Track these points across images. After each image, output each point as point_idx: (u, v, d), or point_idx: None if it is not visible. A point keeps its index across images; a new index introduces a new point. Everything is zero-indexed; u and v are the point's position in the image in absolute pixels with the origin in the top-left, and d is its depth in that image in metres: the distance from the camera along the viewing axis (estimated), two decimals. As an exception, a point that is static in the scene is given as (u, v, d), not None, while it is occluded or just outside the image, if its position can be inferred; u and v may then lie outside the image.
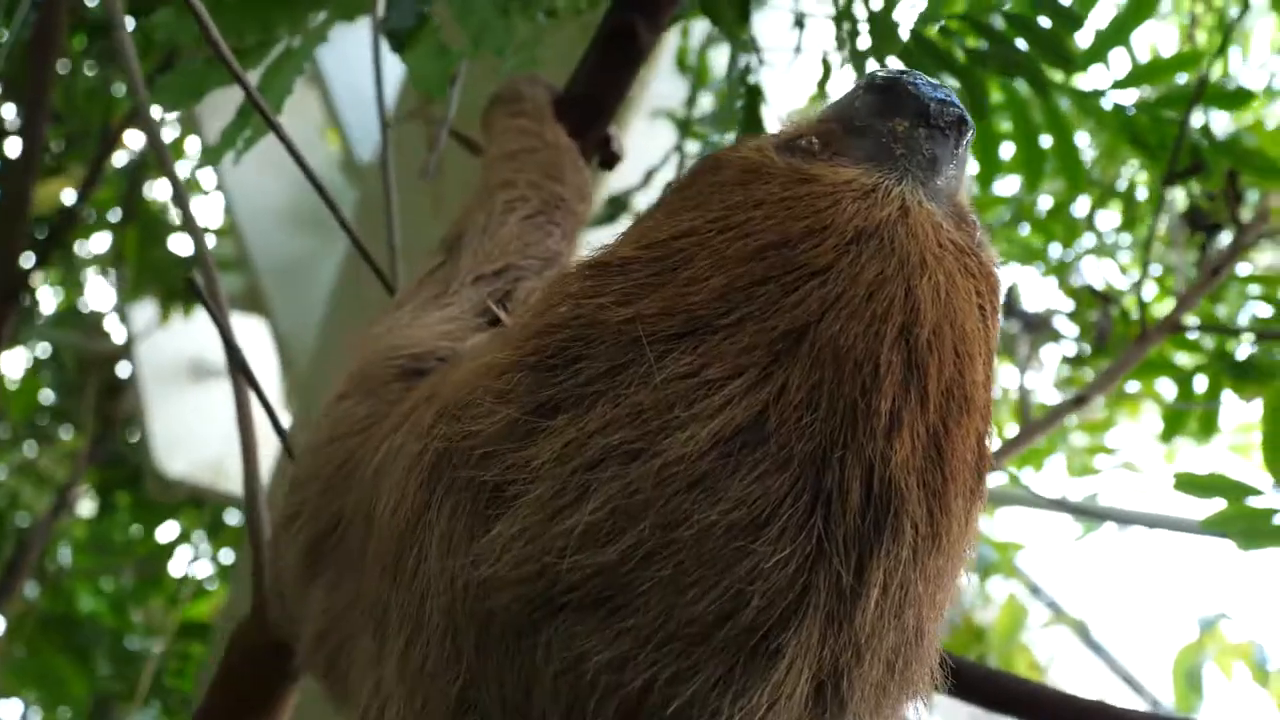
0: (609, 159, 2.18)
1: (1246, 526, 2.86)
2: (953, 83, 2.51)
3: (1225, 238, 3.78)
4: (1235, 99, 3.00)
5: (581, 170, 1.95)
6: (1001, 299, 1.20)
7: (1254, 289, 3.94)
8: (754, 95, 2.29)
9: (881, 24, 2.50)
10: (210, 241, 7.19)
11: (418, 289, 1.68)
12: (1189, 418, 3.80)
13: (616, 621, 1.01)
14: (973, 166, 3.00)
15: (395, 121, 2.65)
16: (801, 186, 1.13)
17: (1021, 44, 2.62)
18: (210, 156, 2.23)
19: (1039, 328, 4.40)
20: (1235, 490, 2.88)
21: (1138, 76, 2.92)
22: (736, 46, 2.25)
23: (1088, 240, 4.27)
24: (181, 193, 2.32)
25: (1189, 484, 2.89)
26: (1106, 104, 2.90)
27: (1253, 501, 2.88)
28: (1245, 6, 3.25)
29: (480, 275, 1.66)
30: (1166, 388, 4.14)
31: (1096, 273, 4.42)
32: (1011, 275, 4.32)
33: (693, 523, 1.00)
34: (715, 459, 1.01)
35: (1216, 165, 3.01)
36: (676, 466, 1.01)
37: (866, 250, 1.08)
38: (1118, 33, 2.84)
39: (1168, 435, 3.87)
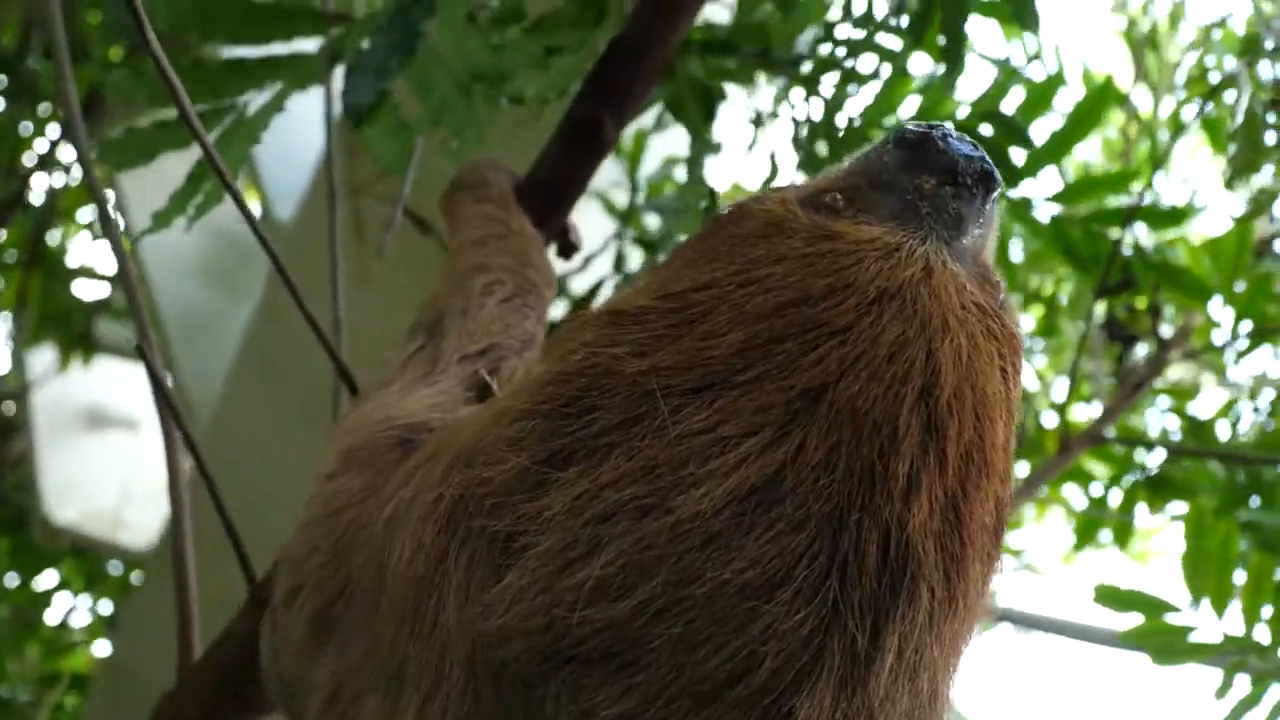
0: (567, 247, 2.18)
1: (1162, 642, 2.91)
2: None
3: (1140, 349, 3.85)
4: (1170, 218, 3.06)
5: (546, 257, 1.95)
6: (1022, 354, 1.19)
7: (1164, 401, 4.02)
8: (714, 195, 2.30)
9: (834, 128, 2.53)
10: (109, 290, 7.10)
11: (401, 370, 1.67)
12: (1100, 526, 3.85)
13: (625, 676, 1.00)
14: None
15: (329, 191, 2.63)
16: (824, 243, 1.12)
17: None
18: (160, 222, 2.19)
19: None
20: (1153, 606, 2.93)
21: (1076, 192, 2.97)
22: (699, 145, 2.25)
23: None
24: (119, 244, 2.28)
25: (1108, 597, 2.93)
26: (1041, 215, 2.94)
27: (1170, 618, 2.93)
28: (1177, 130, 3.32)
29: (465, 355, 1.66)
30: (1072, 492, 4.20)
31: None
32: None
33: (706, 580, 0.99)
34: (730, 517, 1.00)
35: (1145, 280, 3.07)
36: (690, 524, 1.00)
37: (888, 311, 1.07)
38: (1057, 148, 2.89)
39: (1080, 544, 3.92)
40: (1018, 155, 2.74)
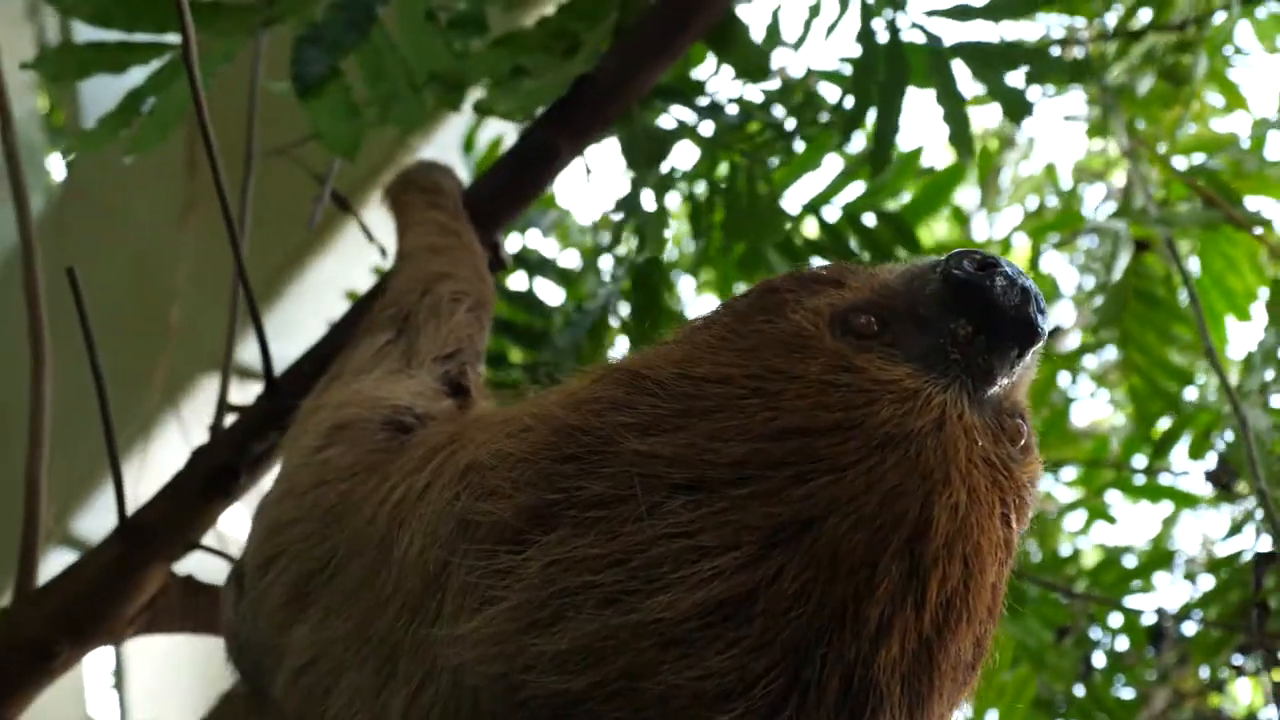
0: (495, 265, 2.20)
1: None
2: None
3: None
4: None
5: (489, 272, 1.99)
6: (1032, 503, 1.18)
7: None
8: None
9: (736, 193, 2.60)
10: None
11: (376, 359, 1.71)
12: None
13: None
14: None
15: (246, 152, 2.60)
16: (843, 375, 1.10)
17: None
18: (86, 142, 2.14)
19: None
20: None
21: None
22: (634, 196, 2.32)
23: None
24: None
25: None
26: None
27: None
28: (1005, 254, 3.49)
29: (438, 356, 1.70)
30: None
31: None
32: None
33: (661, 680, 1.00)
34: (695, 627, 1.01)
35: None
36: (654, 626, 1.01)
37: (890, 458, 1.06)
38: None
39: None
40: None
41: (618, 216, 2.40)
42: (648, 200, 2.36)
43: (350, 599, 1.33)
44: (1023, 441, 1.17)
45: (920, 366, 1.12)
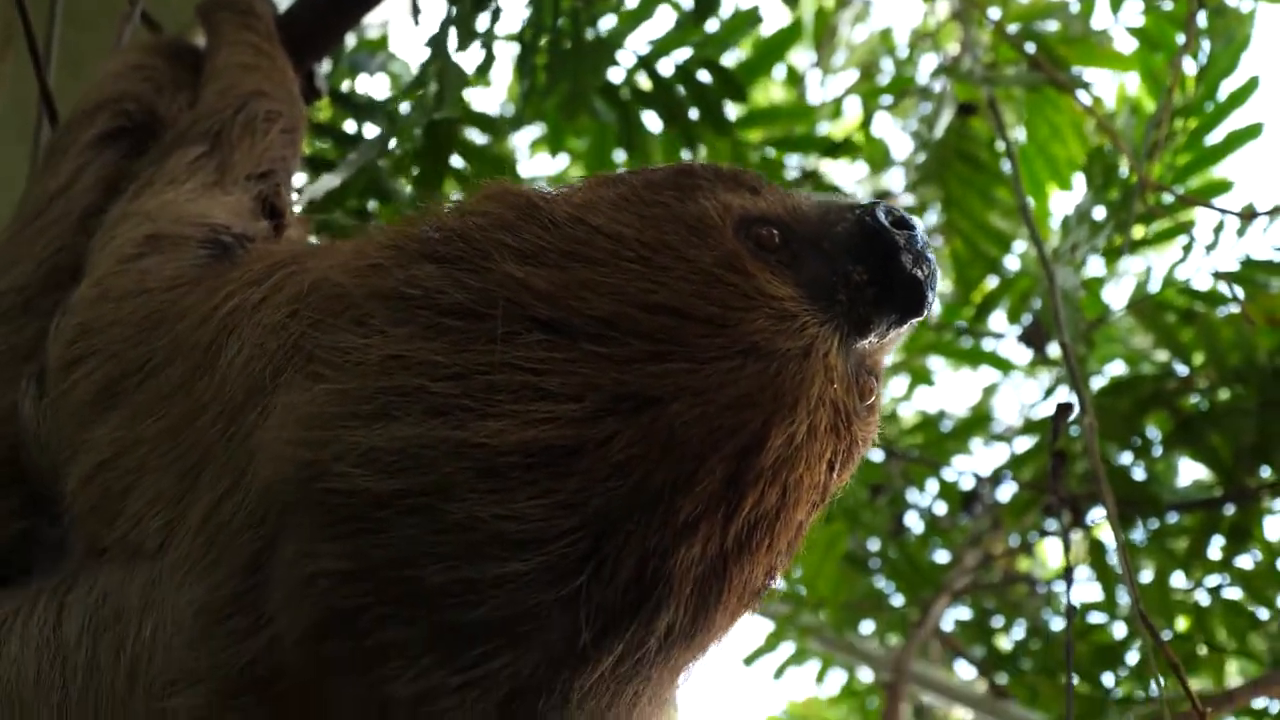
0: (310, 94, 2.15)
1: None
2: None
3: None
4: (839, 149, 3.14)
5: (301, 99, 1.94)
6: (858, 458, 1.20)
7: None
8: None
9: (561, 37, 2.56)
10: None
11: (188, 171, 1.65)
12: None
13: (355, 544, 1.02)
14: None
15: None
16: (732, 274, 1.11)
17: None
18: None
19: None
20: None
21: (761, 117, 3.08)
22: (464, 31, 2.26)
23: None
24: None
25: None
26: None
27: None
28: (836, 115, 3.50)
29: (251, 174, 1.68)
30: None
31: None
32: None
33: (466, 507, 1.00)
34: (513, 463, 1.01)
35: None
36: (475, 449, 1.01)
37: (750, 368, 1.06)
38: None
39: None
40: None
41: (425, 55, 2.34)
42: (453, 42, 2.31)
43: (164, 401, 1.29)
44: (870, 401, 1.19)
45: (806, 294, 1.14)
